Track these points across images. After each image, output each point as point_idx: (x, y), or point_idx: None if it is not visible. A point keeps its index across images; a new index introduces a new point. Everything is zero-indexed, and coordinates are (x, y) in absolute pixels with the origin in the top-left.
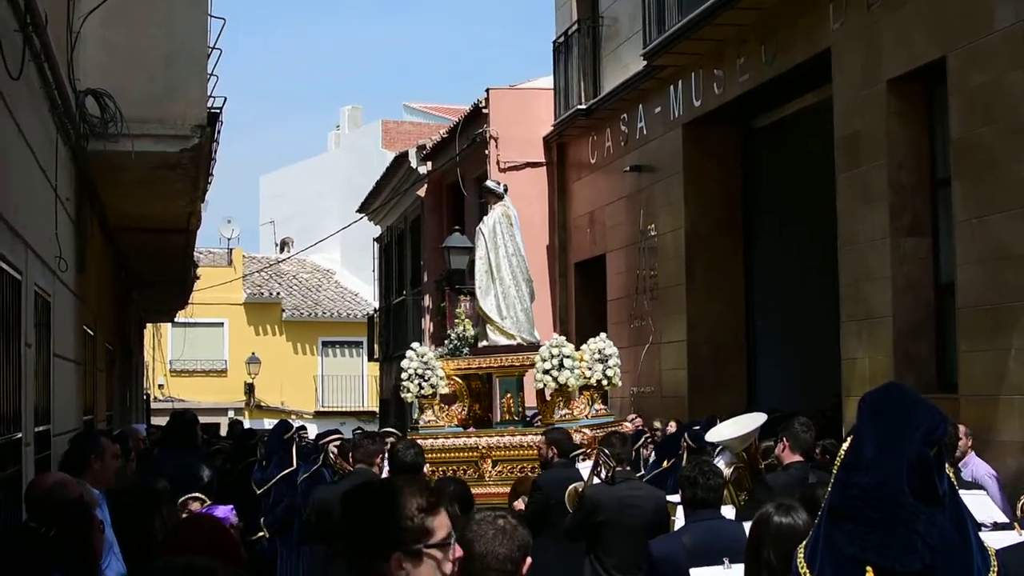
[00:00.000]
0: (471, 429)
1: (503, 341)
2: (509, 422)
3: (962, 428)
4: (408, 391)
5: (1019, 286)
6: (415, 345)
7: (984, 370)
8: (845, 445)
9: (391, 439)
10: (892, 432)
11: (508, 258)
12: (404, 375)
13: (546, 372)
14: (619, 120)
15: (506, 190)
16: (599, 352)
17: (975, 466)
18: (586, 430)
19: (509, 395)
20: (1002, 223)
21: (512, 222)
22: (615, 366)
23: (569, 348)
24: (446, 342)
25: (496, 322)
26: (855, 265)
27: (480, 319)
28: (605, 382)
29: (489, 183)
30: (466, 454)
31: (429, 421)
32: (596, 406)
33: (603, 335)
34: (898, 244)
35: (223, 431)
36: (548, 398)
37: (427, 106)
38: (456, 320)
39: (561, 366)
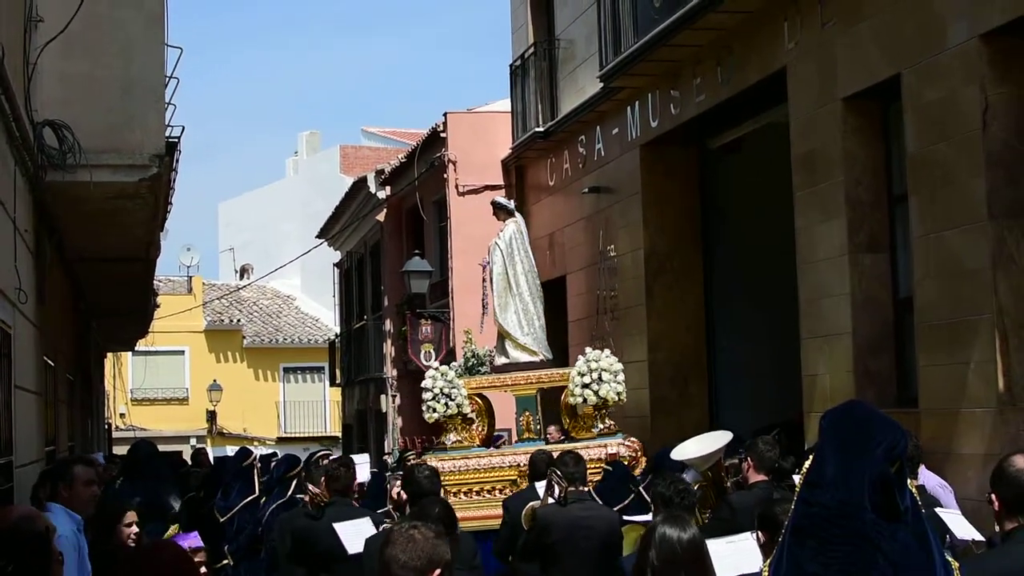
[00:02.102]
0: (491, 448)
1: (524, 358)
2: (529, 440)
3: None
4: (434, 411)
5: (976, 300)
6: (436, 364)
7: (943, 384)
8: (807, 463)
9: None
10: (853, 449)
11: (525, 274)
12: (428, 395)
13: (585, 386)
14: (577, 142)
15: (517, 207)
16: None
17: (926, 478)
18: (630, 442)
19: (528, 412)
20: (958, 238)
21: (524, 238)
22: (622, 382)
23: (606, 361)
24: (460, 360)
25: (517, 338)
26: (814, 282)
27: (498, 335)
28: (615, 398)
29: (499, 199)
30: (504, 472)
31: (456, 442)
32: (608, 422)
33: (607, 351)
34: (856, 260)
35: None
36: (580, 413)
37: (385, 131)
38: (465, 340)
39: (600, 380)
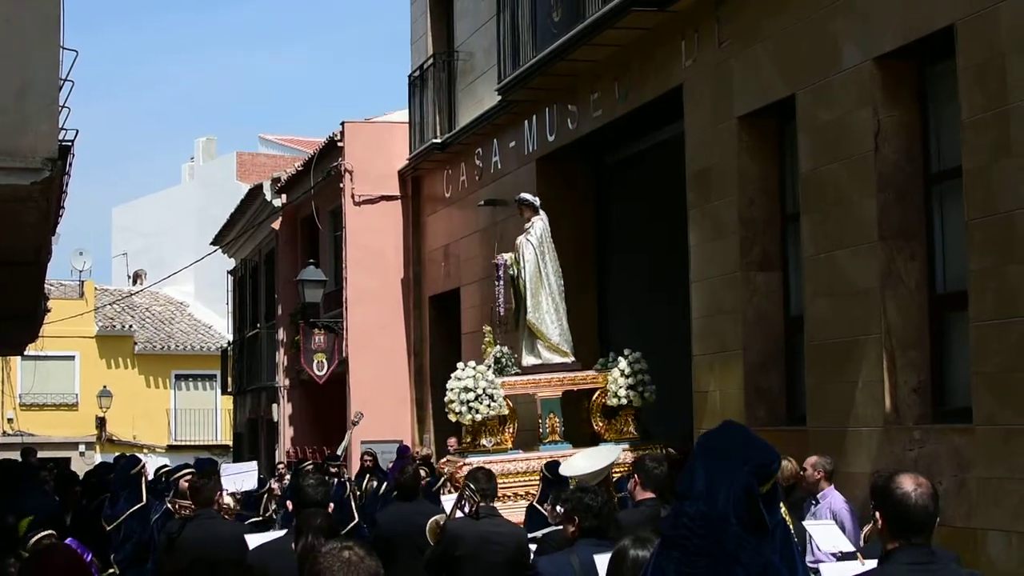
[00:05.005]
0: (520, 453)
1: (556, 358)
2: (555, 443)
3: (814, 461)
4: (478, 412)
5: (865, 320)
6: (472, 363)
7: (832, 403)
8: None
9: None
10: (722, 465)
11: (555, 272)
12: (470, 395)
13: (631, 388)
14: (474, 154)
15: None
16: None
17: (833, 499)
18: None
19: (553, 414)
20: (848, 258)
21: (549, 235)
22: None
23: (644, 363)
24: (489, 361)
25: (550, 338)
26: (706, 299)
27: (528, 334)
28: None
29: (525, 195)
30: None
31: (496, 444)
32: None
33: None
34: (749, 278)
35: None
36: (616, 416)
37: (282, 138)
38: (486, 341)
39: (645, 382)
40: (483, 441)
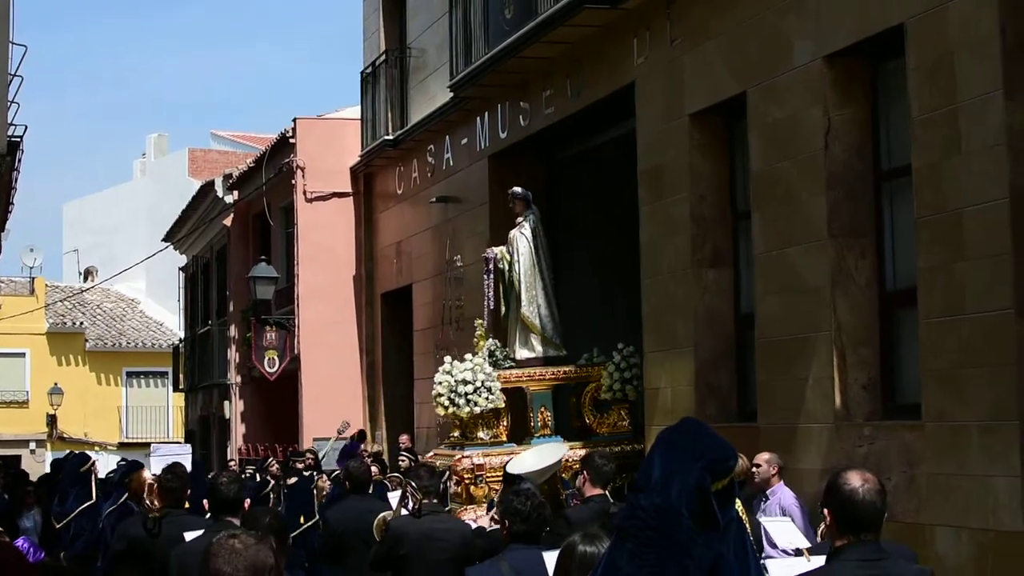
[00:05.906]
0: (516, 446)
1: (550, 352)
2: (545, 437)
3: (767, 457)
4: (476, 405)
5: (816, 317)
6: (469, 356)
7: (782, 400)
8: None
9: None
10: (678, 459)
11: (548, 267)
12: (469, 388)
13: (626, 382)
14: (426, 151)
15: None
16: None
17: (783, 495)
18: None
19: (544, 408)
20: (799, 255)
21: (542, 230)
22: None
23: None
24: (484, 354)
25: (544, 333)
26: (658, 296)
27: (521, 328)
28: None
29: (518, 189)
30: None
31: (493, 437)
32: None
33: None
34: (700, 275)
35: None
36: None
37: (235, 135)
38: (478, 334)
39: (638, 376)
40: (480, 434)
